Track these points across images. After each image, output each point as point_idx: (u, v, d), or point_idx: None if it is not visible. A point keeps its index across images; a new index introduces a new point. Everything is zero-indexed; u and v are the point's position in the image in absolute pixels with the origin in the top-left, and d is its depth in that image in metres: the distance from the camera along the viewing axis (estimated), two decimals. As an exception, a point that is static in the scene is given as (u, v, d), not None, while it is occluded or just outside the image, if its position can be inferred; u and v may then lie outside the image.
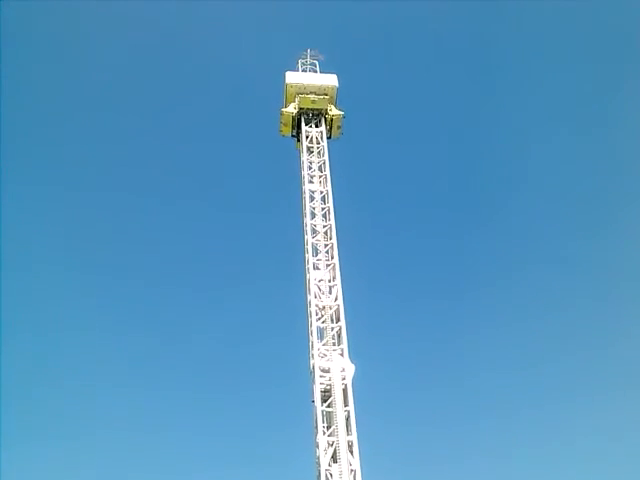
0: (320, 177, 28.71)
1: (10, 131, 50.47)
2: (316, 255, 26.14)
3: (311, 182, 28.34)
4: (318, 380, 22.18)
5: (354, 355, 22.98)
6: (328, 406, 21.70)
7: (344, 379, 22.26)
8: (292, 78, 31.43)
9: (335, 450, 20.49)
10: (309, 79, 31.57)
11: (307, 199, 27.60)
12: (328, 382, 22.21)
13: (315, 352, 22.97)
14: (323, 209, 27.60)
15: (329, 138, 30.96)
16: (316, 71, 32.24)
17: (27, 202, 54.12)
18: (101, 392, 46.94)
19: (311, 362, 23.17)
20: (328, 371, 22.49)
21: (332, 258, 25.92)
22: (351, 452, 20.57)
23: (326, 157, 29.21)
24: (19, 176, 53.35)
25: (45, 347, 50.47)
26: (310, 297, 24.77)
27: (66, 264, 52.72)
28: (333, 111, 31.30)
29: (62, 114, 58.30)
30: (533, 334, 52.35)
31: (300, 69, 32.22)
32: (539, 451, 44.85)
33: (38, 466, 43.22)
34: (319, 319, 24.15)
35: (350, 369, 22.63)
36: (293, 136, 31.84)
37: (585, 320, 53.08)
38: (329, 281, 25.37)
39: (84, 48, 58.48)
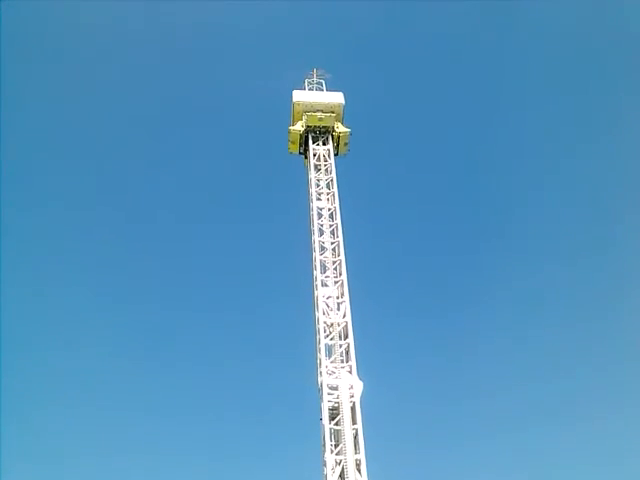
0: (328, 194, 28.91)
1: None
2: (324, 272, 26.22)
3: (319, 199, 28.55)
4: (326, 398, 22.10)
5: (362, 372, 22.94)
6: (336, 424, 21.60)
7: (352, 397, 22.18)
8: (299, 96, 31.84)
9: (343, 469, 20.36)
10: (316, 97, 31.97)
11: (315, 216, 27.78)
12: (336, 400, 22.13)
13: (323, 369, 22.94)
14: (331, 226, 27.75)
15: (336, 155, 31.26)
16: (323, 90, 32.66)
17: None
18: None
19: (319, 379, 23.12)
20: (336, 389, 22.43)
21: (340, 275, 25.99)
22: (359, 471, 20.41)
23: (334, 174, 29.45)
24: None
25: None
26: (318, 314, 24.80)
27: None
28: (340, 128, 31.64)
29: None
30: (547, 344, 51.91)
31: (307, 88, 32.66)
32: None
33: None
34: (327, 336, 24.15)
35: (358, 387, 22.55)
36: (301, 153, 32.22)
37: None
38: (337, 298, 25.40)
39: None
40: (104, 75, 60.08)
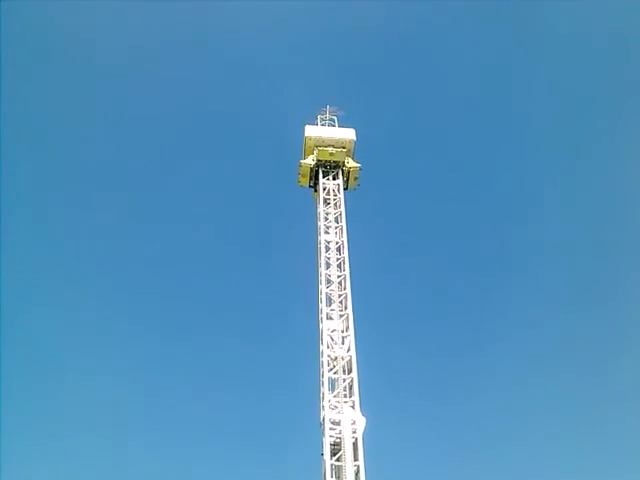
0: (336, 228, 29.19)
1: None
2: (330, 305, 26.29)
3: (327, 233, 28.82)
4: (328, 433, 21.89)
5: (366, 408, 22.73)
6: (337, 460, 21.31)
7: (354, 432, 21.94)
8: (311, 131, 32.46)
9: (344, 506, 20.10)
10: (327, 132, 32.56)
11: (322, 249, 28.02)
12: (338, 435, 21.89)
13: (326, 404, 22.79)
14: (338, 259, 27.93)
15: (346, 189, 31.66)
16: (335, 125, 33.27)
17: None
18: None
19: (321, 414, 22.94)
20: (338, 424, 22.21)
21: (346, 308, 26.04)
22: (360, 509, 20.15)
23: (342, 209, 29.78)
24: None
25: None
26: (323, 347, 24.78)
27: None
28: (350, 163, 32.11)
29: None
30: (556, 389, 51.19)
31: (319, 123, 33.29)
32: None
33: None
34: (331, 370, 24.06)
35: (361, 422, 22.34)
36: (310, 186, 32.64)
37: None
38: (342, 332, 25.37)
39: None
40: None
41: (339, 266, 27.73)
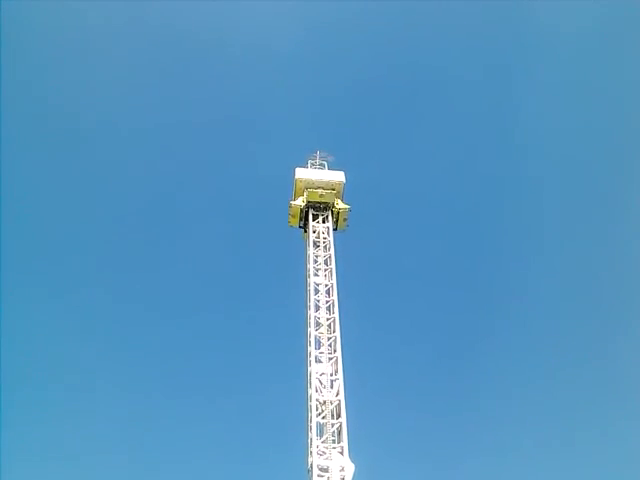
0: (325, 270, 29.38)
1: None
2: (319, 348, 26.26)
3: (316, 275, 29.02)
4: (316, 479, 21.70)
5: (354, 454, 22.53)
6: (326, 508, 21.10)
7: (343, 479, 21.76)
8: (301, 174, 33.06)
9: None
10: (317, 175, 33.18)
11: (312, 291, 28.16)
12: (326, 482, 21.69)
13: (314, 449, 22.57)
14: (327, 302, 28.04)
15: (335, 230, 32.06)
16: (324, 168, 33.90)
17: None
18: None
19: (309, 460, 22.70)
20: (327, 470, 21.97)
21: (335, 352, 26.02)
22: None
23: (332, 251, 30.05)
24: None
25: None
26: (311, 391, 24.63)
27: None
28: (340, 205, 32.65)
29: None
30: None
31: (309, 167, 33.90)
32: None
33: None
34: (319, 414, 23.90)
35: (350, 469, 22.09)
36: (300, 227, 33.02)
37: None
38: (331, 375, 25.31)
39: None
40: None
41: (328, 309, 27.83)
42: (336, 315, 27.30)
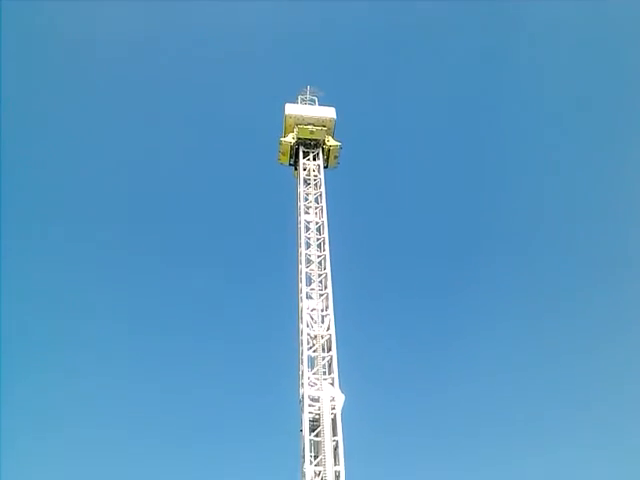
0: (316, 208, 29.37)
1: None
2: (310, 285, 26.65)
3: (307, 213, 29.02)
4: (307, 409, 22.47)
5: (344, 385, 23.36)
6: (316, 436, 21.98)
7: (333, 409, 22.60)
8: (291, 110, 32.34)
9: (322, 480, 20.81)
10: (308, 111, 32.49)
11: (302, 229, 28.24)
12: (317, 411, 22.52)
13: (305, 381, 23.34)
14: (318, 239, 28.21)
15: (326, 168, 31.76)
16: (315, 104, 33.15)
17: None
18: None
19: (301, 391, 23.52)
20: (318, 400, 22.82)
21: (325, 288, 26.45)
22: (338, 482, 20.89)
23: (323, 189, 29.93)
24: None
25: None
26: (302, 326, 25.22)
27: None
28: (330, 142, 32.17)
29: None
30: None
31: (300, 103, 33.13)
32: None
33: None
34: (310, 348, 24.55)
35: (340, 399, 22.97)
36: (291, 164, 32.66)
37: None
38: (322, 311, 25.84)
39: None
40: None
41: (319, 246, 28.04)
42: (327, 252, 27.55)
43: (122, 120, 61.86)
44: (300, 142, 31.91)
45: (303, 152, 31.58)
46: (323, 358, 24.30)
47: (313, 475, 21.09)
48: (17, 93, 54.14)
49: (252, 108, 59.85)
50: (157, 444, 48.83)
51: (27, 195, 56.16)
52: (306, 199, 29.65)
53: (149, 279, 59.54)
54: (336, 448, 21.65)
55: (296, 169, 31.98)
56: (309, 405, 22.61)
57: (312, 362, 24.31)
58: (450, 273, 61.23)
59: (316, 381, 23.55)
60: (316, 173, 30.76)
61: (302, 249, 27.64)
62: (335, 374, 23.63)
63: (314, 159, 31.49)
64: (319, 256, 27.63)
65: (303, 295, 26.13)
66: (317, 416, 22.44)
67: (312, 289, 26.46)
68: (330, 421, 22.20)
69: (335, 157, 32.27)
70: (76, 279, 55.34)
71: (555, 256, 58.27)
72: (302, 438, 22.15)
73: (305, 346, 24.45)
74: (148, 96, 63.70)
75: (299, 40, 66.88)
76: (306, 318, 25.39)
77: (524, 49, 62.76)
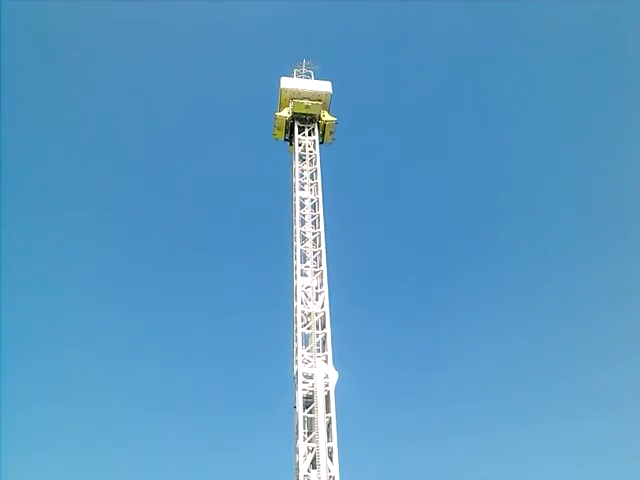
0: (311, 185, 29.03)
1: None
2: (304, 262, 26.50)
3: (302, 189, 28.68)
4: (301, 386, 22.58)
5: (338, 363, 23.43)
6: (310, 412, 22.12)
7: (327, 386, 22.71)
8: (287, 83, 31.70)
9: (315, 456, 20.95)
10: (303, 85, 31.84)
11: (297, 206, 27.94)
12: (311, 388, 22.61)
13: (299, 358, 23.38)
14: (313, 217, 27.96)
15: (321, 143, 31.29)
16: (311, 79, 32.51)
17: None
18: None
19: (295, 368, 23.59)
20: (311, 377, 22.89)
21: (320, 265, 26.30)
22: (331, 458, 21.09)
23: (318, 165, 29.53)
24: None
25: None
26: (296, 303, 25.16)
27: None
28: (326, 117, 31.65)
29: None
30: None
31: (295, 77, 32.47)
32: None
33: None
34: (304, 325, 24.54)
35: (333, 376, 23.06)
36: (286, 140, 32.18)
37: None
38: (316, 288, 25.74)
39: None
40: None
41: (314, 223, 27.80)
42: (321, 230, 27.33)
43: (113, 95, 60.78)
44: (295, 117, 31.36)
45: (298, 127, 31.05)
46: (317, 335, 24.29)
47: (306, 451, 21.30)
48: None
49: (248, 83, 58.91)
50: (151, 421, 49.25)
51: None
52: (301, 175, 29.27)
53: (142, 254, 59.23)
54: (329, 425, 21.84)
55: (291, 144, 31.52)
56: (303, 382, 22.71)
57: (306, 339, 24.34)
58: (446, 251, 61.36)
59: (310, 358, 23.59)
60: (311, 149, 30.28)
61: (297, 226, 27.39)
62: (329, 351, 23.67)
63: (309, 134, 30.99)
64: (314, 233, 27.41)
65: (298, 272, 25.99)
66: (311, 393, 22.54)
67: (307, 266, 26.32)
68: (324, 398, 22.32)
69: (331, 133, 31.79)
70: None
71: (547, 239, 58.38)
72: (296, 415, 22.33)
73: (299, 323, 24.44)
74: (139, 69, 62.69)
75: (296, 13, 65.48)
76: (300, 295, 25.30)
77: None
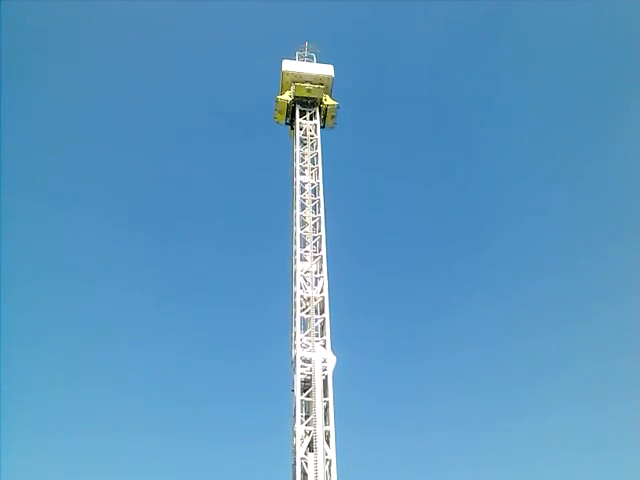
0: (312, 169, 28.86)
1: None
2: (304, 247, 26.46)
3: (302, 174, 28.52)
4: (299, 370, 22.67)
5: (336, 347, 23.54)
6: (307, 396, 22.27)
7: (325, 370, 22.82)
8: (288, 66, 31.37)
9: (312, 439, 21.09)
10: (305, 68, 31.49)
11: (298, 190, 27.81)
12: (309, 372, 22.72)
13: (298, 342, 23.48)
14: (313, 201, 27.84)
15: (322, 128, 31.07)
16: (313, 62, 32.17)
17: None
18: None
19: (293, 352, 23.71)
20: (309, 361, 22.99)
21: (320, 250, 26.27)
22: (328, 442, 21.24)
23: (319, 150, 29.34)
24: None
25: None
26: (295, 288, 25.17)
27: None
28: (328, 101, 31.37)
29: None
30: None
31: (297, 60, 32.15)
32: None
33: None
34: (303, 310, 24.59)
35: (332, 360, 23.17)
36: (287, 124, 31.96)
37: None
38: (315, 273, 25.75)
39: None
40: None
41: (314, 208, 27.70)
42: (321, 214, 27.23)
43: (112, 78, 60.23)
44: (297, 100, 31.08)
45: (300, 111, 30.79)
46: (316, 320, 24.36)
47: (304, 434, 21.46)
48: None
49: (250, 66, 58.37)
50: (150, 408, 49.48)
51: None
52: (302, 160, 29.08)
53: (140, 242, 59.10)
54: (327, 408, 22.00)
55: (292, 128, 31.29)
56: (301, 366, 22.80)
57: (305, 324, 24.39)
58: (448, 238, 61.35)
59: (308, 343, 23.68)
60: (312, 133, 30.08)
61: (297, 211, 27.29)
62: (327, 336, 23.75)
63: (311, 119, 30.75)
64: (314, 218, 27.33)
65: (297, 257, 25.97)
66: (309, 377, 22.65)
67: (306, 251, 26.28)
68: (321, 382, 22.42)
69: (332, 117, 31.55)
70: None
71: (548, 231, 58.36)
72: (294, 398, 22.45)
73: (298, 308, 24.48)
74: (137, 52, 62.07)
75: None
76: (300, 280, 25.31)
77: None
